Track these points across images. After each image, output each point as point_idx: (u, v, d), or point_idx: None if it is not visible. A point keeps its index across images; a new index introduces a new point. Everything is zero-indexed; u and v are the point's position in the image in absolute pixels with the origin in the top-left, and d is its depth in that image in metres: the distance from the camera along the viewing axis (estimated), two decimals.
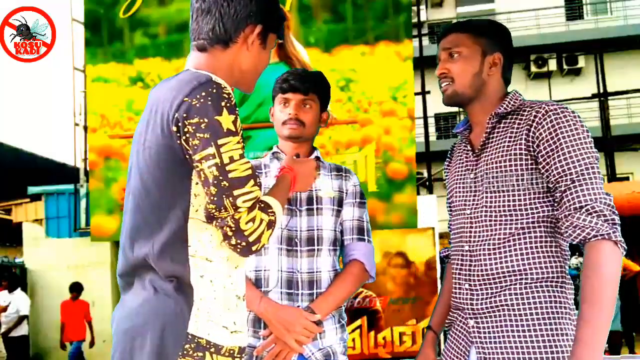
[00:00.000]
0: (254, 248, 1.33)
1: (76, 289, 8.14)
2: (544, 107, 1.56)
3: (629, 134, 14.10)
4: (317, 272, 1.94)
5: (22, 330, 8.05)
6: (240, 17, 1.45)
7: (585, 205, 1.46)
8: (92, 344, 8.05)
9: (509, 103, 1.66)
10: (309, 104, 2.01)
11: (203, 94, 1.30)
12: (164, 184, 1.36)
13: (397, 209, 6.63)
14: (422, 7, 13.72)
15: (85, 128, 7.80)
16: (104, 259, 8.59)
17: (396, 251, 7.14)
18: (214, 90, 1.31)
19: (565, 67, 15.52)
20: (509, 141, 1.61)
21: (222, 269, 1.39)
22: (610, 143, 12.21)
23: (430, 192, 7.67)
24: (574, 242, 1.51)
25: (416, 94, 7.16)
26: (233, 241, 1.32)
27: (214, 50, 1.46)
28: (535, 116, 1.56)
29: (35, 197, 9.52)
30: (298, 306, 1.90)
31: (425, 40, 11.40)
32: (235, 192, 1.30)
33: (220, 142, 1.29)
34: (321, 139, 6.33)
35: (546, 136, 1.53)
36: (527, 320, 1.56)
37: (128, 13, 7.07)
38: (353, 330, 6.61)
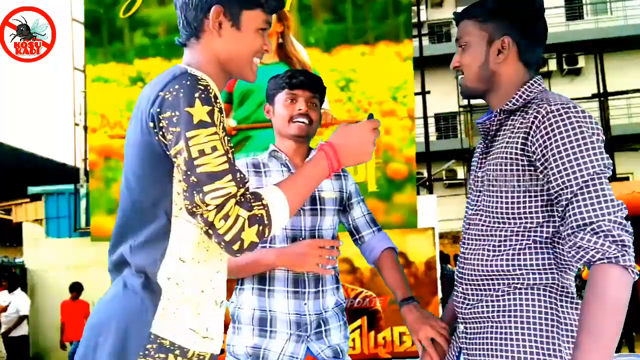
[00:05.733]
0: (234, 247, 1.22)
1: (76, 289, 8.14)
2: (545, 108, 1.39)
3: (629, 134, 14.11)
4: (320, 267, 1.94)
5: (22, 330, 8.05)
6: (196, 4, 1.38)
7: (590, 224, 1.28)
8: None
9: (519, 98, 1.49)
10: (315, 102, 2.01)
11: (176, 86, 1.25)
12: (145, 182, 1.32)
13: (397, 209, 6.63)
14: (422, 7, 13.71)
15: (85, 128, 7.80)
16: (104, 259, 8.47)
17: None
18: (187, 82, 1.25)
19: (565, 67, 15.52)
20: (508, 142, 1.46)
21: (200, 272, 1.33)
22: (610, 143, 12.22)
23: (430, 192, 7.66)
24: (579, 264, 1.35)
25: (416, 94, 7.17)
26: (214, 240, 1.23)
27: (191, 44, 1.43)
28: (535, 117, 1.39)
29: (35, 197, 9.50)
30: (305, 304, 1.91)
31: (425, 40, 11.40)
32: (205, 188, 1.20)
33: (188, 134, 1.21)
34: (321, 139, 6.33)
35: (543, 142, 1.37)
36: (513, 334, 1.42)
37: (128, 13, 7.07)
38: (353, 330, 6.60)
